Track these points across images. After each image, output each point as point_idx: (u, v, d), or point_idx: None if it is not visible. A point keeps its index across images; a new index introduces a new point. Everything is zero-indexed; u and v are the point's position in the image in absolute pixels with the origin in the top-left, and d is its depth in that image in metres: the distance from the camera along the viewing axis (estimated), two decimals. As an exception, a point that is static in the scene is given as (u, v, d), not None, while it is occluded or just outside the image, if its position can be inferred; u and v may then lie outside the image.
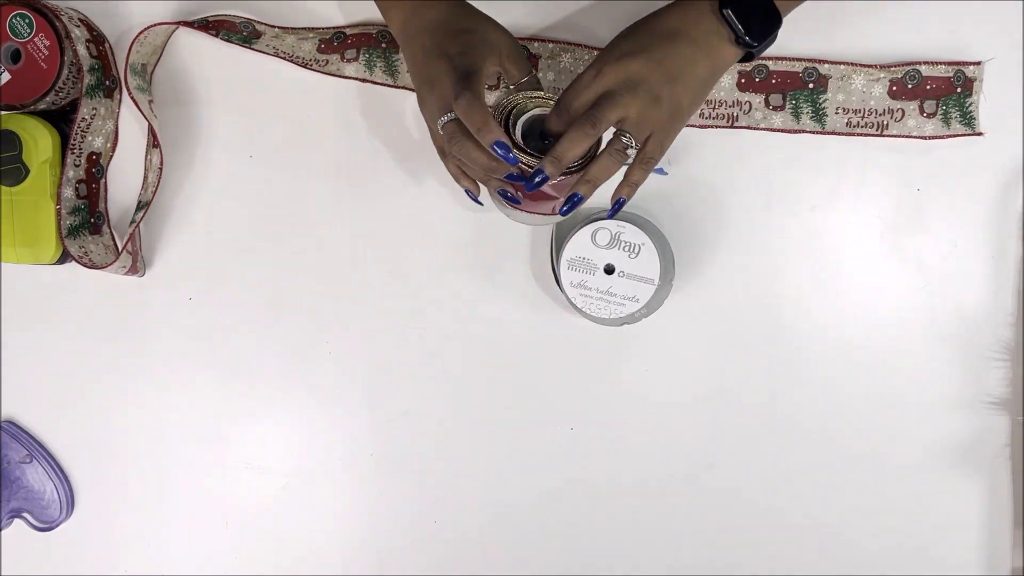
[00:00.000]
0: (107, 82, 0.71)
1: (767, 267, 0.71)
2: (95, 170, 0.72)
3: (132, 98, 0.69)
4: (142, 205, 0.72)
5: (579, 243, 0.67)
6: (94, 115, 0.70)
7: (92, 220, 0.72)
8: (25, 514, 0.76)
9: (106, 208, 0.73)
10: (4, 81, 0.68)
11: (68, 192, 0.69)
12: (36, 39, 0.67)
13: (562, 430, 0.73)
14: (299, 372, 0.74)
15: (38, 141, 0.68)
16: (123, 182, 0.74)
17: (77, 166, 0.70)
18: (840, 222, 0.70)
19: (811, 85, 0.68)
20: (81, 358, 0.75)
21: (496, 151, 0.52)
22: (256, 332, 0.74)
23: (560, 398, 0.73)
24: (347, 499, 0.75)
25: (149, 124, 0.70)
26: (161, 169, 0.70)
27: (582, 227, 0.67)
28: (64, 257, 0.71)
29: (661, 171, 0.68)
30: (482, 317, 0.72)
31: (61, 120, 0.71)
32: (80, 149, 0.70)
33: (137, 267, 0.73)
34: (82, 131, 0.70)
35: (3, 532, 0.77)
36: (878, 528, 0.72)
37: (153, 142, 0.71)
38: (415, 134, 0.71)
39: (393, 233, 0.72)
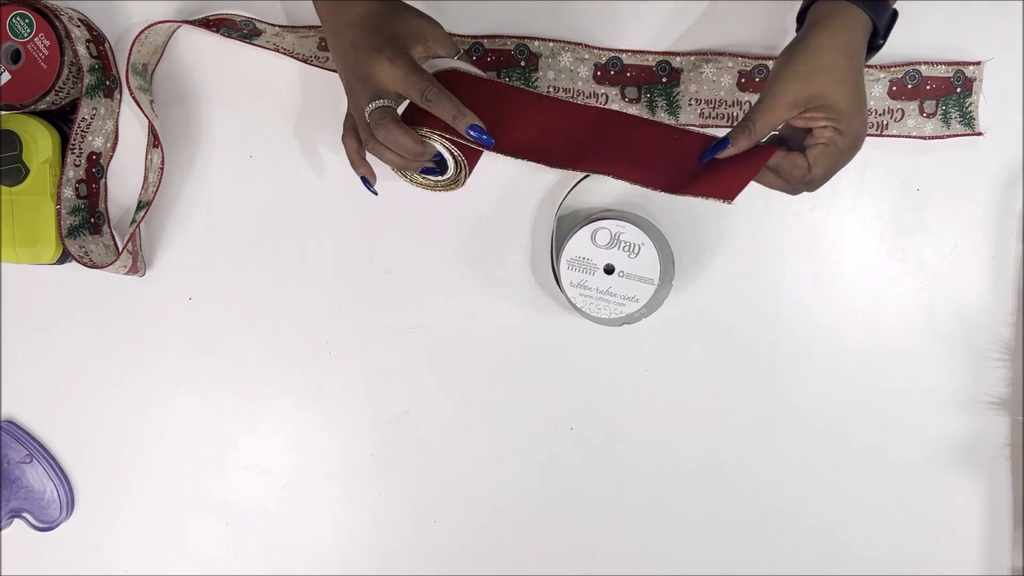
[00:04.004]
0: (107, 82, 0.71)
1: (767, 267, 0.71)
2: (95, 170, 0.72)
3: (134, 98, 0.69)
4: (143, 205, 0.72)
5: (579, 243, 0.67)
6: (94, 115, 0.70)
7: (92, 220, 0.72)
8: (25, 514, 0.76)
9: (106, 208, 0.73)
10: (4, 81, 0.68)
11: (68, 192, 0.69)
12: (36, 39, 0.67)
13: (562, 430, 0.73)
14: (299, 372, 0.74)
15: (38, 141, 0.68)
16: (123, 182, 0.74)
17: (77, 166, 0.70)
18: (840, 222, 0.70)
19: (811, 85, 0.68)
20: (81, 358, 0.75)
21: (471, 134, 0.55)
22: (256, 332, 0.74)
23: (560, 398, 0.73)
24: (347, 499, 0.75)
25: (151, 124, 0.70)
26: (162, 169, 0.70)
27: (582, 227, 0.67)
28: (64, 257, 0.71)
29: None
30: (482, 317, 0.72)
31: (61, 120, 0.71)
32: (80, 149, 0.70)
33: (137, 267, 0.73)
34: (82, 131, 0.70)
35: (3, 532, 0.77)
36: (878, 528, 0.72)
37: (154, 142, 0.71)
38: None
39: (393, 232, 0.72)
